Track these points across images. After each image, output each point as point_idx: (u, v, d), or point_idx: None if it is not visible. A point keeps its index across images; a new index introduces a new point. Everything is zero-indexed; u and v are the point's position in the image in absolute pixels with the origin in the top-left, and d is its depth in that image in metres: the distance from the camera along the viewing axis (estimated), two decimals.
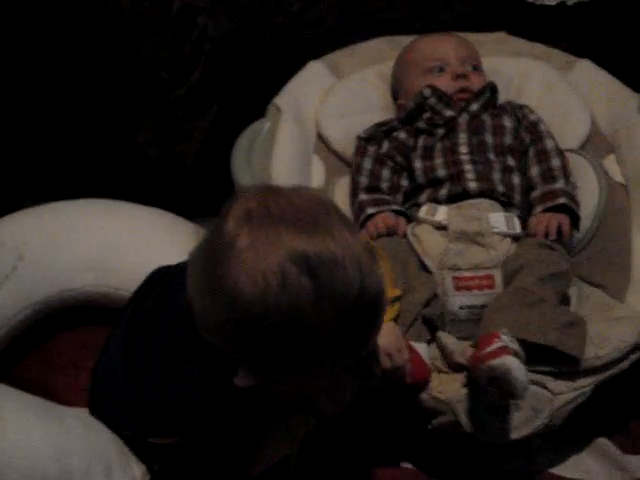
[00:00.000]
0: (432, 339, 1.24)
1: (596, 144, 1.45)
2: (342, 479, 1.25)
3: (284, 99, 1.46)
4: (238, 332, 0.82)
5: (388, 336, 1.08)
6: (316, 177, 1.42)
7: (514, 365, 1.04)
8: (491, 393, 1.11)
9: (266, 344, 0.82)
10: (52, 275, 1.49)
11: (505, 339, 1.08)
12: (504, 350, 1.06)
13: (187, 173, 1.75)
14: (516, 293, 1.18)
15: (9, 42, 1.54)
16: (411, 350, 1.15)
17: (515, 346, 1.08)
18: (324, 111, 1.48)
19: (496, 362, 1.04)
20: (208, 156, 1.72)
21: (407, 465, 1.27)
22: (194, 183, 1.75)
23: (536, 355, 1.13)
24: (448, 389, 1.16)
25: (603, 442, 1.30)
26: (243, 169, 1.37)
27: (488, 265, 1.25)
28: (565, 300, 1.24)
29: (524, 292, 1.18)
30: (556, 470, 1.26)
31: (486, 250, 1.25)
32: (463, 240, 1.26)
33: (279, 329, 0.80)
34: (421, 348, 1.18)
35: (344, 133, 1.46)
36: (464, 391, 1.15)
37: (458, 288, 1.24)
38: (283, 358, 0.83)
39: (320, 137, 1.47)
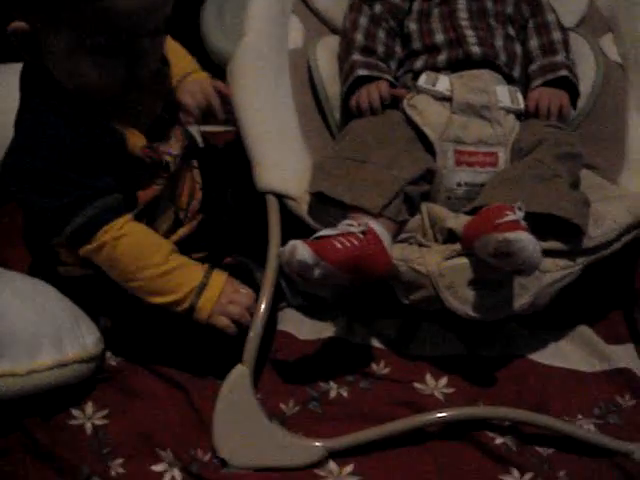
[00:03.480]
0: (410, 217, 1.15)
1: (593, 23, 1.40)
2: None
3: None
4: None
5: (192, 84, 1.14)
6: (294, 37, 1.32)
7: (531, 241, 0.98)
8: (481, 266, 1.05)
9: None
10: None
11: (519, 214, 1.02)
12: (518, 225, 1.00)
13: None
14: (531, 166, 1.12)
15: None
16: (374, 237, 1.06)
17: (524, 223, 1.01)
18: None
19: (513, 236, 0.97)
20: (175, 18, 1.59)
21: (378, 345, 1.21)
22: None
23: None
24: (429, 262, 1.08)
25: (585, 330, 1.24)
26: (214, 30, 1.27)
27: (493, 141, 1.17)
28: (576, 183, 1.18)
29: (539, 165, 1.11)
30: (534, 356, 1.21)
31: (491, 125, 1.17)
32: (467, 113, 1.18)
33: None
34: (384, 236, 1.09)
35: None
36: (446, 264, 1.08)
37: (459, 163, 1.16)
38: None
39: None
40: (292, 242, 1.01)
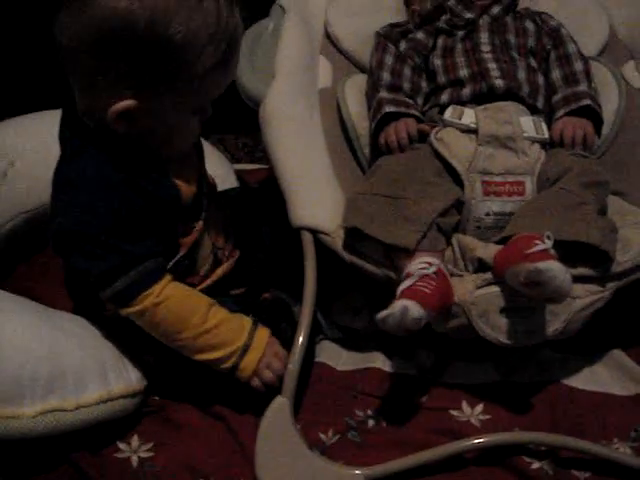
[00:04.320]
0: (446, 246, 1.18)
1: (615, 51, 1.43)
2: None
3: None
4: (112, 47, 0.91)
5: None
6: (323, 77, 1.36)
7: (562, 271, 1.00)
8: (512, 294, 1.07)
9: (140, 51, 0.91)
10: (43, 184, 1.43)
11: (548, 243, 1.04)
12: (548, 254, 1.02)
13: None
14: (558, 194, 1.14)
15: None
16: (443, 273, 1.09)
17: (554, 252, 1.04)
18: (333, 10, 1.44)
19: (543, 265, 0.99)
20: None
21: (415, 374, 1.23)
22: None
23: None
24: (461, 291, 1.11)
25: (617, 354, 1.25)
26: (246, 70, 1.31)
27: (520, 171, 1.20)
28: (604, 210, 1.19)
29: (566, 193, 1.13)
30: (568, 381, 1.22)
31: (517, 155, 1.20)
32: (493, 144, 1.20)
33: (144, 38, 0.90)
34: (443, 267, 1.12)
35: (354, 32, 1.42)
36: (478, 293, 1.10)
37: (487, 193, 1.19)
38: (151, 67, 0.92)
39: (328, 36, 1.43)
40: (400, 303, 1.01)
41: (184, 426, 1.15)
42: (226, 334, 1.08)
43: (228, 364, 1.08)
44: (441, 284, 1.07)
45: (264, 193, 1.36)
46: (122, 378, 1.13)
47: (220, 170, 1.44)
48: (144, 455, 1.12)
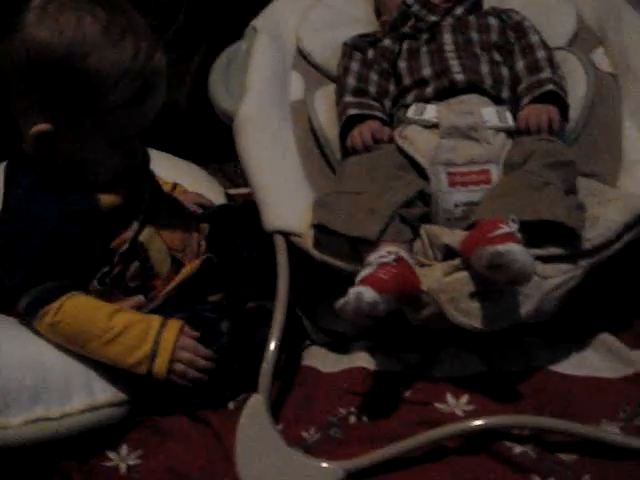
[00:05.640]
0: (414, 239, 1.19)
1: (584, 38, 1.44)
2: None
3: (262, 20, 1.47)
4: (31, 73, 0.99)
5: None
6: (295, 90, 1.41)
7: (522, 253, 1.01)
8: (480, 278, 1.08)
9: (57, 78, 0.99)
10: None
11: (512, 226, 1.05)
12: (511, 237, 1.03)
13: (181, 118, 1.74)
14: (522, 177, 1.15)
15: None
16: (404, 261, 1.11)
17: (518, 235, 1.05)
18: (304, 26, 1.49)
19: (503, 248, 1.00)
20: (201, 98, 1.71)
21: (400, 371, 1.23)
22: (189, 128, 1.73)
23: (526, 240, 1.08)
24: (429, 280, 1.11)
25: (607, 338, 1.22)
26: (221, 91, 1.37)
27: (484, 160, 1.21)
28: (571, 190, 1.19)
29: (530, 175, 1.14)
30: (556, 368, 1.20)
31: (481, 144, 1.21)
32: (456, 135, 1.22)
33: (58, 68, 0.98)
34: (407, 257, 1.13)
35: (326, 46, 1.46)
36: (446, 280, 1.11)
37: (453, 184, 1.20)
38: (66, 95, 1.00)
39: (300, 52, 1.47)
40: (353, 289, 1.03)
41: (171, 432, 1.16)
42: (130, 342, 1.11)
43: (142, 370, 1.11)
44: (401, 271, 1.08)
45: (247, 208, 1.39)
46: (108, 387, 1.15)
47: (211, 195, 1.50)
48: (132, 463, 1.13)
